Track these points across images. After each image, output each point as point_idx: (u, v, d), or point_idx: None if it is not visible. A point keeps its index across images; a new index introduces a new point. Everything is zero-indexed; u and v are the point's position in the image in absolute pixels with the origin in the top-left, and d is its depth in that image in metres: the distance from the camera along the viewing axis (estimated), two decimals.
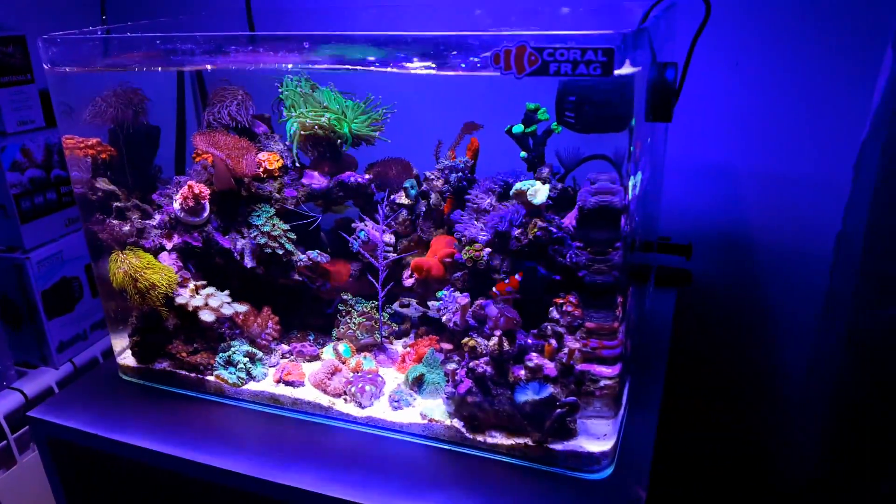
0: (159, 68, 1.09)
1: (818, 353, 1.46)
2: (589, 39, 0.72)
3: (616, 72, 0.73)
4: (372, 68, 0.91)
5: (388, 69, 0.88)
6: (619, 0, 1.37)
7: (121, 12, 1.72)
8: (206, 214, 1.14)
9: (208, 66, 1.00)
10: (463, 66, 0.82)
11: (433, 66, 0.83)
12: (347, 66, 0.93)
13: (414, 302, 1.30)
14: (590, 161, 1.11)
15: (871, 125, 1.26)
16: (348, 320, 1.18)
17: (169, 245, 1.14)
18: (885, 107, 1.20)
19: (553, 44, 0.73)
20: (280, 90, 1.21)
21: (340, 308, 1.20)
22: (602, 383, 0.90)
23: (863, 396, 1.36)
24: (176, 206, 1.13)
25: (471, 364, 0.95)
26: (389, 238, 1.20)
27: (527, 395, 0.91)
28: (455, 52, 0.82)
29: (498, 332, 0.93)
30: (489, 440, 0.96)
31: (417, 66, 0.86)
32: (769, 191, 1.41)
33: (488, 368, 0.94)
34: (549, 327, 0.96)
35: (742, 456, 1.61)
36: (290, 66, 1.12)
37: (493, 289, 0.98)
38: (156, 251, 1.14)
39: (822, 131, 1.34)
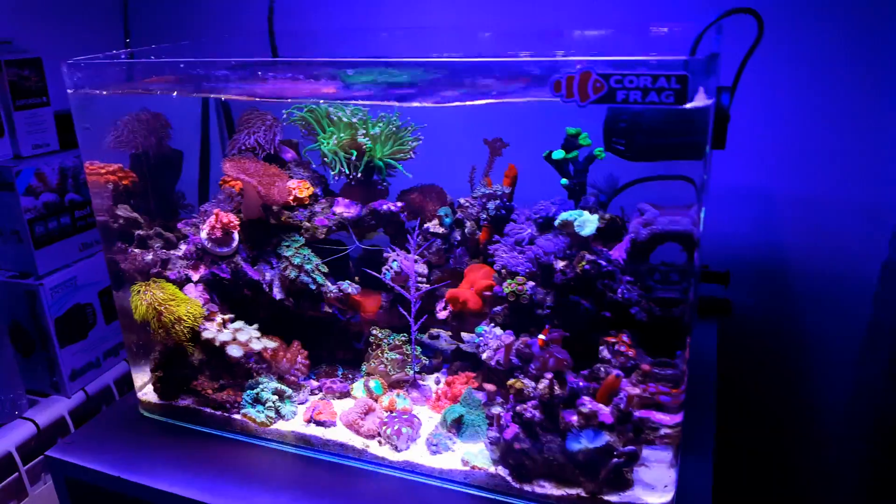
0: (175, 93, 1.05)
1: (860, 384, 1.40)
2: (660, 66, 0.67)
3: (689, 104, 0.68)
4: (414, 104, 0.86)
5: (432, 104, 0.83)
6: (644, 22, 1.33)
7: (142, 34, 1.69)
8: (234, 244, 1.09)
9: (239, 97, 0.95)
10: (521, 91, 0.77)
11: (492, 93, 0.78)
12: (392, 103, 0.88)
13: (444, 333, 1.25)
14: (627, 189, 1.07)
15: None
16: (379, 354, 1.12)
17: (195, 276, 1.09)
18: None
19: (621, 70, 0.68)
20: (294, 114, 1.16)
21: (371, 341, 1.14)
22: (662, 431, 0.84)
23: None
24: (203, 235, 1.08)
25: (518, 408, 0.89)
26: (422, 268, 1.14)
27: (580, 444, 0.85)
28: (516, 80, 0.78)
29: (549, 375, 0.87)
30: (537, 490, 0.89)
31: (463, 94, 0.81)
32: (810, 216, 1.36)
33: (537, 413, 0.88)
34: (602, 369, 0.90)
35: (787, 492, 1.54)
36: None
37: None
38: (181, 282, 1.09)
39: (867, 154, 1.29)
